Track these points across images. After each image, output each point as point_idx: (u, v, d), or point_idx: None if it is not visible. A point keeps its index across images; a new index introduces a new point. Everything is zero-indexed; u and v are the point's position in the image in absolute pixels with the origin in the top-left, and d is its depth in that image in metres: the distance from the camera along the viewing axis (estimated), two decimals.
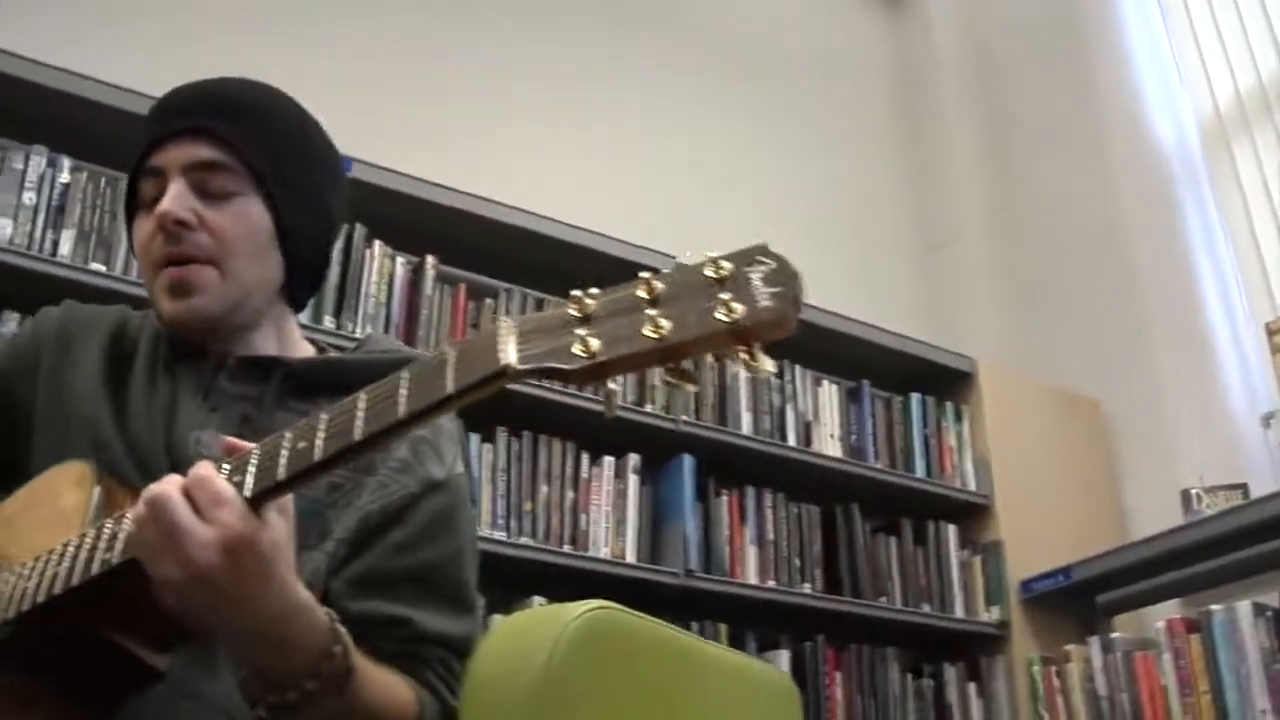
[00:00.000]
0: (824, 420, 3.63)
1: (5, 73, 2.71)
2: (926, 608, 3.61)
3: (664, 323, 0.83)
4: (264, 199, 1.35)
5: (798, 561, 3.41)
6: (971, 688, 3.60)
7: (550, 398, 3.01)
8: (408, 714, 1.18)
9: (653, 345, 0.84)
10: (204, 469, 0.99)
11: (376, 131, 3.04)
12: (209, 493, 0.97)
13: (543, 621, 1.21)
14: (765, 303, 0.82)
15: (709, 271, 0.85)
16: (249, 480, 0.98)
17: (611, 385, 0.88)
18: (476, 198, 3.14)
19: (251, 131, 1.36)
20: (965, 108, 4.69)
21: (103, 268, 2.71)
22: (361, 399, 0.95)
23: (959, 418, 3.92)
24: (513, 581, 2.91)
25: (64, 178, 2.76)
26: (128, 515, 1.04)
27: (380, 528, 1.27)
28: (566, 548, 3.01)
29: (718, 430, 3.35)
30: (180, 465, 1.24)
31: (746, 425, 3.44)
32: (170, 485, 0.98)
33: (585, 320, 0.87)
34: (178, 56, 3.13)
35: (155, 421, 1.30)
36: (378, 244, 3.04)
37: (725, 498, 3.34)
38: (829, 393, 3.68)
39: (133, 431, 1.29)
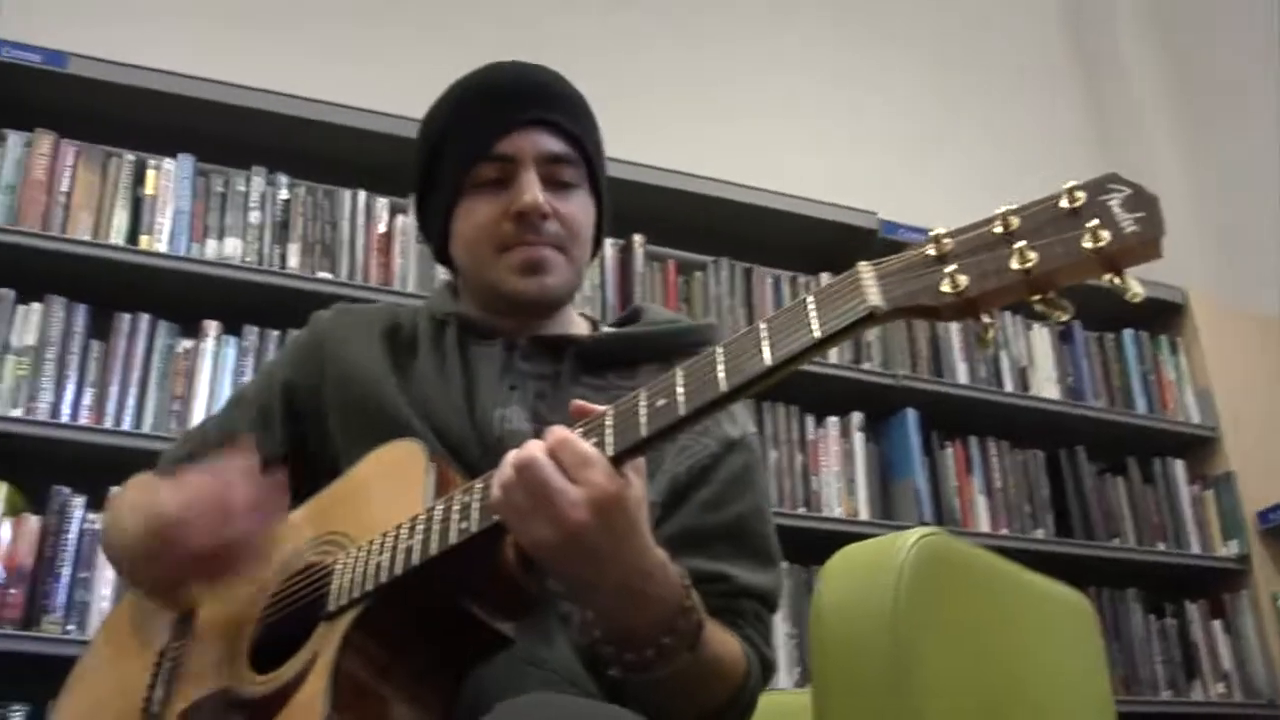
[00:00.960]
0: (1039, 364, 3.57)
1: (222, 101, 2.87)
2: (1162, 546, 3.54)
3: (1030, 254, 0.85)
4: (592, 192, 1.43)
5: (1028, 507, 3.38)
6: (1217, 625, 3.52)
7: None
8: (740, 668, 1.20)
9: (1021, 278, 0.86)
10: (563, 431, 1.00)
11: None
12: (575, 454, 0.98)
13: (879, 552, 1.23)
14: (1131, 228, 0.83)
15: (1064, 203, 0.86)
16: (608, 440, 1.00)
17: (986, 319, 0.89)
18: (678, 174, 3.18)
19: (586, 127, 1.43)
20: (1143, 39, 4.56)
21: (329, 275, 2.83)
22: (718, 352, 0.97)
23: (1174, 351, 3.83)
24: None
25: (283, 194, 2.89)
26: (476, 485, 1.07)
27: (689, 487, 1.30)
28: (800, 510, 3.03)
29: (936, 382, 3.33)
30: (488, 443, 1.29)
31: (963, 375, 3.41)
32: (535, 449, 0.99)
33: (944, 259, 0.89)
34: (387, 69, 3.26)
35: (456, 404, 1.33)
36: None
37: (950, 449, 3.33)
38: (1040, 336, 3.62)
39: (433, 415, 1.32)
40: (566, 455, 0.98)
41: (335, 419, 1.40)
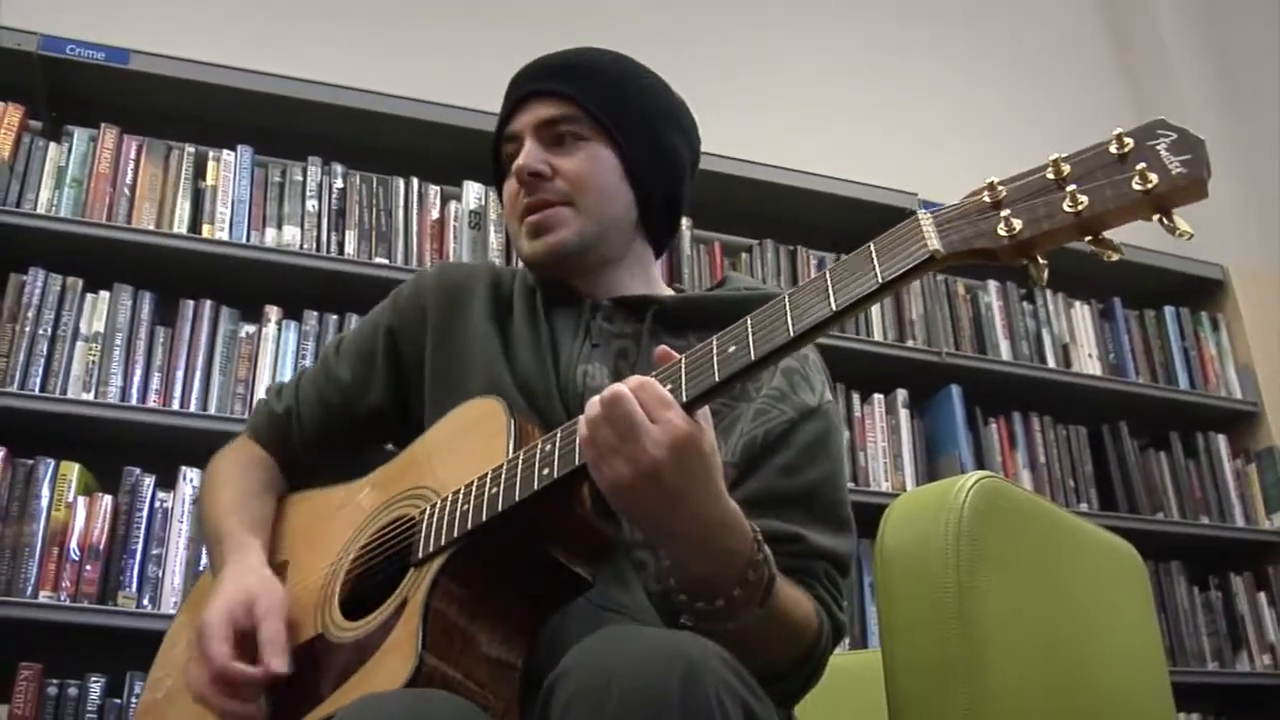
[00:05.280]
0: (1080, 341, 3.61)
1: (278, 94, 2.96)
2: (1205, 519, 3.56)
3: (1082, 197, 0.90)
4: (609, 143, 1.45)
5: (1071, 482, 3.41)
6: (1262, 597, 3.53)
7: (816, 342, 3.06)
8: (811, 627, 1.23)
9: (1072, 220, 0.91)
10: (643, 377, 1.05)
11: None
12: (655, 394, 1.03)
13: (938, 494, 1.29)
14: (1178, 169, 0.88)
15: (1113, 148, 0.91)
16: (683, 386, 1.05)
17: (1042, 261, 0.94)
18: (723, 158, 3.20)
19: (590, 84, 1.47)
20: (1179, 12, 4.56)
21: (385, 260, 2.90)
22: (785, 301, 1.02)
23: (1215, 327, 3.85)
24: None
25: (338, 183, 2.95)
26: (558, 434, 1.12)
27: (765, 452, 1.32)
28: (849, 485, 3.06)
29: (979, 359, 3.38)
30: (569, 399, 1.35)
31: (1005, 352, 3.45)
32: (621, 387, 1.03)
33: (998, 205, 0.95)
34: (437, 61, 3.32)
35: (543, 361, 1.39)
36: None
37: (994, 425, 3.37)
38: (1081, 313, 3.66)
39: (521, 371, 1.39)
40: (647, 395, 1.03)
41: (431, 370, 1.46)
